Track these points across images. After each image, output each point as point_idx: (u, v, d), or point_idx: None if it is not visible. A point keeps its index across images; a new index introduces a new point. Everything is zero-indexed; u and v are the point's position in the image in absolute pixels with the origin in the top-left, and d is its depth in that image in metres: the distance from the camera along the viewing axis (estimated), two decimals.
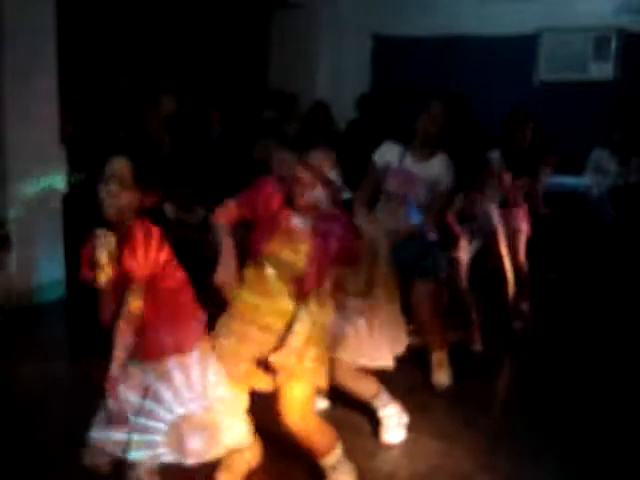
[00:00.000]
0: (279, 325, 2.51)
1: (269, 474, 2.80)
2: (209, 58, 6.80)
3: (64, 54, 4.94)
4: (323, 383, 2.58)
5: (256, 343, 2.53)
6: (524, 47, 7.17)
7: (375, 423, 3.18)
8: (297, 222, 2.49)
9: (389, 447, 3.08)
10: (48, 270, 4.98)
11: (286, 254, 2.47)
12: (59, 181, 4.92)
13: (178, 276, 2.38)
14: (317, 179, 2.42)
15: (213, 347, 2.54)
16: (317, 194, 2.43)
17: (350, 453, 2.71)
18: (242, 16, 7.11)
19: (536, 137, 4.47)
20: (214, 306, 2.64)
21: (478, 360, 4.19)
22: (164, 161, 5.26)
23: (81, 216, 5.30)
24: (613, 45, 7.02)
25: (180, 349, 2.36)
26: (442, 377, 3.74)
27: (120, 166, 2.22)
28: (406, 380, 3.49)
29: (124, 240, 2.25)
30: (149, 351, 2.34)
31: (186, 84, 6.11)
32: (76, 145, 5.28)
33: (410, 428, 3.15)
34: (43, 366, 3.81)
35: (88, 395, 3.46)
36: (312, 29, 7.10)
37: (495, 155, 4.50)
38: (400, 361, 3.76)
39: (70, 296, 5.09)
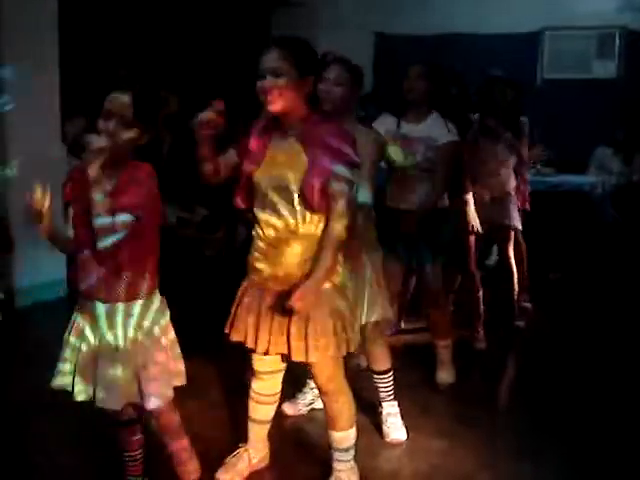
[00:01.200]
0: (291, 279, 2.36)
1: (270, 474, 2.79)
2: (209, 57, 6.79)
3: (66, 52, 4.95)
4: (345, 351, 2.44)
5: (272, 310, 2.40)
6: (527, 45, 7.16)
7: (377, 422, 3.18)
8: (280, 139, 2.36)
9: (390, 446, 3.07)
10: (49, 269, 4.98)
11: (276, 176, 2.32)
12: None
13: None
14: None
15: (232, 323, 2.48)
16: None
17: None
18: (242, 15, 7.10)
19: (516, 102, 4.35)
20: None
21: (480, 358, 4.18)
22: (165, 161, 5.25)
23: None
24: (616, 43, 7.01)
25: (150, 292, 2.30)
26: (445, 374, 3.73)
27: (120, 102, 2.15)
28: (406, 378, 3.47)
29: (120, 179, 2.19)
30: (120, 292, 2.24)
31: (186, 83, 6.11)
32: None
33: (411, 427, 3.14)
34: (44, 366, 3.81)
35: None
36: (312, 28, 7.08)
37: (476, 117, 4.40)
38: (401, 359, 3.76)
39: (71, 295, 5.09)
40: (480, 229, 4.05)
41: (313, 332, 2.34)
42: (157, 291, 2.34)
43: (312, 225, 2.34)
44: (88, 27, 5.84)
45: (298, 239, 2.34)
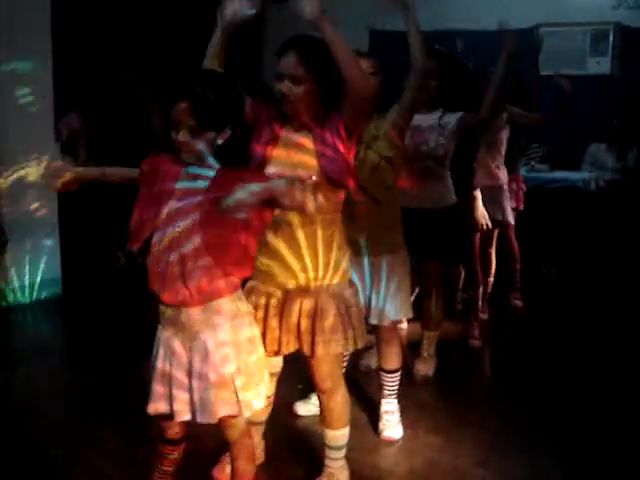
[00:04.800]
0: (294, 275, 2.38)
1: (264, 471, 2.79)
2: (202, 53, 6.79)
3: (59, 49, 4.94)
4: (352, 348, 2.47)
5: (280, 309, 2.40)
6: (521, 42, 7.15)
7: (374, 419, 3.19)
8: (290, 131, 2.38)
9: (387, 443, 3.07)
10: (44, 267, 4.97)
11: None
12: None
13: None
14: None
15: None
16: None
17: (348, 449, 2.70)
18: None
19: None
20: None
21: (476, 355, 4.19)
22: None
23: (78, 213, 5.34)
24: (611, 40, 7.01)
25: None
26: (424, 366, 3.77)
27: (182, 112, 2.07)
28: (402, 375, 3.47)
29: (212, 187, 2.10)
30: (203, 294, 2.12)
31: (177, 78, 6.10)
32: (87, 140, 5.29)
33: (407, 424, 3.15)
34: (39, 364, 3.81)
35: (84, 393, 3.48)
36: (307, 24, 7.07)
37: None
38: None
39: (66, 294, 5.09)
40: (490, 225, 4.03)
41: (321, 327, 2.36)
42: None
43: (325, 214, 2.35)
44: (81, 24, 5.82)
45: (310, 232, 2.35)
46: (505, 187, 4.43)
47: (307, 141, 2.35)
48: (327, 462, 2.63)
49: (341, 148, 2.32)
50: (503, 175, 4.41)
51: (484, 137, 4.15)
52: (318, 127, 2.34)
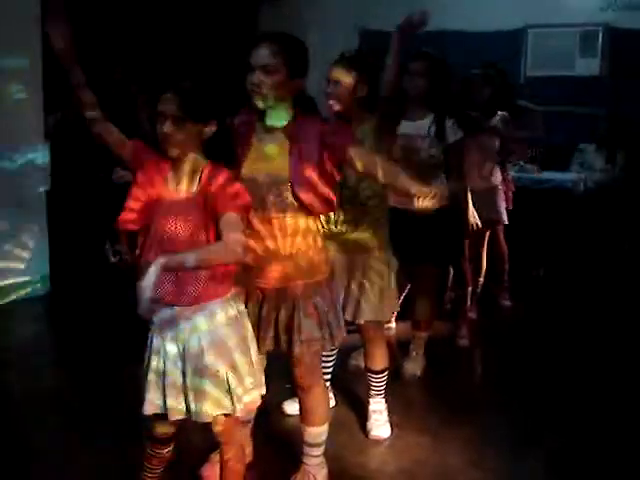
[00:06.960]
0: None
1: (252, 469, 2.79)
2: (196, 54, 6.76)
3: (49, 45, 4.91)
4: (328, 347, 2.50)
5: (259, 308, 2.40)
6: (510, 43, 7.18)
7: (362, 419, 3.19)
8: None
9: (376, 443, 3.08)
10: (33, 265, 4.95)
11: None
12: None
13: None
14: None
15: None
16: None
17: (337, 449, 2.70)
18: (229, 12, 7.07)
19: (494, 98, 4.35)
20: None
21: (464, 355, 4.20)
22: None
23: (66, 211, 5.32)
24: (599, 41, 7.04)
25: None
26: (413, 366, 3.78)
27: (166, 102, 2.08)
28: (391, 374, 3.49)
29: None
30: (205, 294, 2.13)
31: (165, 75, 6.08)
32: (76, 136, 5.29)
33: (396, 424, 3.16)
34: (28, 363, 3.80)
35: (73, 392, 3.47)
36: (298, 24, 7.06)
37: None
38: None
39: (55, 292, 5.07)
40: (480, 225, 4.05)
41: (298, 326, 2.36)
42: None
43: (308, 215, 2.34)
44: (71, 22, 5.79)
45: (295, 232, 2.34)
46: (500, 187, 4.48)
47: (281, 147, 2.33)
48: (305, 459, 2.63)
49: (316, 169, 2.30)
50: (497, 175, 4.46)
51: (478, 139, 4.19)
52: (294, 133, 2.33)
